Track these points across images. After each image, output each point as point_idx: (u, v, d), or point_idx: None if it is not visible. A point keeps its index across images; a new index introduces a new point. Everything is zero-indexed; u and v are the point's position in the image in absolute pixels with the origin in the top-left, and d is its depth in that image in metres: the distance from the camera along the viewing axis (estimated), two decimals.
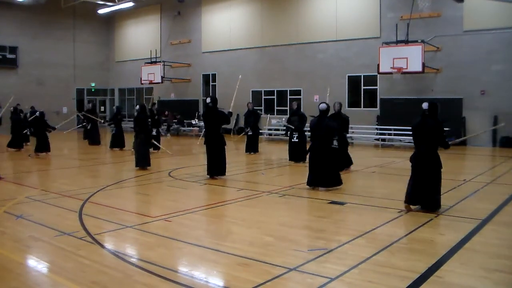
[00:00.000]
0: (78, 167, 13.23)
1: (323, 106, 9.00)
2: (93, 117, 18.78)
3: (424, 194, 7.05)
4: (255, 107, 23.89)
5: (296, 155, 12.98)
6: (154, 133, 16.64)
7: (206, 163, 10.52)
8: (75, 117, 25.47)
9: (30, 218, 6.70)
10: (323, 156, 8.82)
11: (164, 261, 4.87)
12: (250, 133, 15.34)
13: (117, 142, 16.68)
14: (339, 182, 8.97)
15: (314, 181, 8.92)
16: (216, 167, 10.34)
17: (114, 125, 16.69)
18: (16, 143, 16.65)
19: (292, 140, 13.19)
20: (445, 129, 7.44)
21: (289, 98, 22.38)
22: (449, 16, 18.29)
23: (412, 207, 7.15)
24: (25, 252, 5.30)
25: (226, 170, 10.49)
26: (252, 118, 15.61)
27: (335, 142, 11.01)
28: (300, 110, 14.12)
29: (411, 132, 7.38)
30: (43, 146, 14.92)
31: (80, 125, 22.22)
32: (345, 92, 21.17)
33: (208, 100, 10.49)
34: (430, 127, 7.05)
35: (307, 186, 9.01)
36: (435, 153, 7.11)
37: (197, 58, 27.10)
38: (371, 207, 7.49)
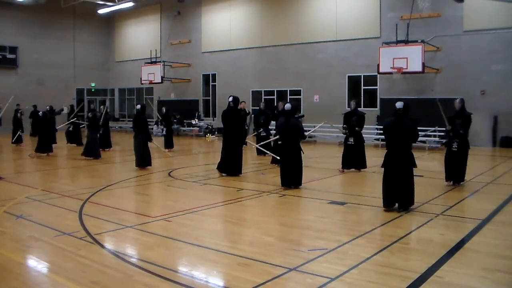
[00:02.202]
0: (78, 167, 13.22)
1: (288, 106, 9.10)
2: (72, 120, 18.60)
3: (401, 194, 7.04)
4: (254, 107, 24.08)
5: None
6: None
7: (220, 160, 10.74)
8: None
9: (30, 218, 6.70)
10: (293, 155, 8.97)
11: (164, 261, 4.87)
12: (263, 134, 14.94)
13: (105, 143, 16.49)
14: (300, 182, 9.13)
15: (289, 181, 9.01)
16: (233, 166, 10.61)
17: (102, 125, 16.57)
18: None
19: None
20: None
21: (289, 98, 22.37)
22: (449, 16, 18.29)
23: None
24: (25, 252, 5.30)
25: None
26: (263, 118, 15.22)
27: (351, 139, 11.21)
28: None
29: (382, 132, 7.21)
30: (45, 147, 14.85)
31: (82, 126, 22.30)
32: (345, 92, 21.17)
33: (230, 99, 10.78)
34: (407, 127, 6.99)
35: (282, 187, 9.01)
36: (410, 152, 7.12)
37: (197, 58, 27.10)
38: (371, 207, 7.49)
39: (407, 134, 7.03)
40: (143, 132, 11.97)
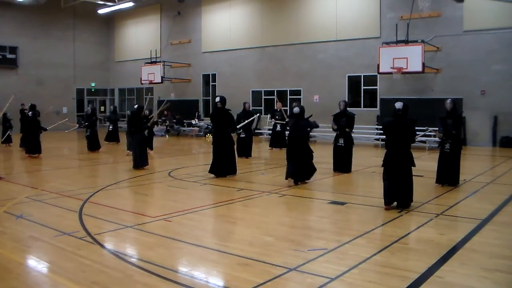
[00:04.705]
0: (78, 167, 13.23)
1: (296, 109, 9.63)
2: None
3: (400, 193, 7.19)
4: (254, 107, 24.06)
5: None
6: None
7: (212, 162, 10.58)
8: (74, 118, 25.47)
9: (30, 218, 6.70)
10: (303, 155, 9.43)
11: (164, 261, 4.87)
12: (243, 135, 14.33)
13: (94, 144, 16.21)
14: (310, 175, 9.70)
15: (297, 176, 9.46)
16: (227, 167, 10.58)
17: (89, 127, 16.43)
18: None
19: None
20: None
21: (289, 98, 22.39)
22: (449, 16, 18.29)
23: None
24: (25, 252, 5.30)
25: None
26: (246, 119, 14.32)
27: (341, 141, 10.97)
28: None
29: (382, 131, 7.48)
30: (34, 148, 14.67)
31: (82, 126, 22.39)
32: (345, 92, 21.16)
33: (217, 99, 10.66)
34: (407, 126, 7.20)
35: (287, 180, 9.50)
36: (409, 152, 7.30)
37: (197, 58, 27.09)
38: (371, 207, 7.49)
39: (406, 133, 7.21)
40: (140, 132, 11.98)
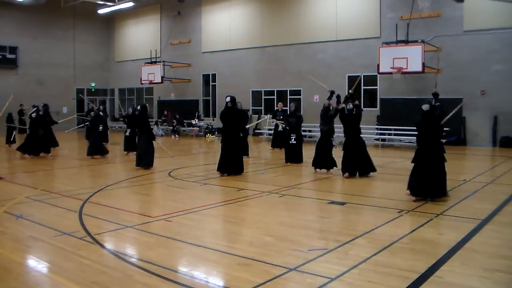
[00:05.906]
0: (78, 167, 13.23)
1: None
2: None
3: (430, 185, 7.71)
4: (254, 107, 24.08)
5: (294, 156, 12.98)
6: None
7: (219, 161, 10.76)
8: (74, 117, 25.44)
9: (30, 218, 6.70)
10: (324, 144, 11.25)
11: (164, 261, 4.87)
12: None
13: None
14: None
15: (321, 164, 11.14)
16: (234, 166, 10.72)
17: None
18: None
19: (290, 142, 13.17)
20: (444, 129, 8.46)
21: (289, 98, 22.37)
22: (449, 16, 18.29)
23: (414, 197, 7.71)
24: (25, 252, 5.30)
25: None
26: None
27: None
28: (298, 111, 14.09)
29: (415, 128, 8.33)
30: (37, 147, 14.69)
31: (81, 125, 22.43)
32: (345, 92, 21.13)
33: (228, 99, 10.81)
34: (434, 124, 7.92)
35: (313, 167, 11.22)
36: (440, 147, 7.92)
37: (197, 58, 27.09)
38: (371, 207, 7.49)
39: (434, 130, 7.94)
40: (146, 132, 11.98)
